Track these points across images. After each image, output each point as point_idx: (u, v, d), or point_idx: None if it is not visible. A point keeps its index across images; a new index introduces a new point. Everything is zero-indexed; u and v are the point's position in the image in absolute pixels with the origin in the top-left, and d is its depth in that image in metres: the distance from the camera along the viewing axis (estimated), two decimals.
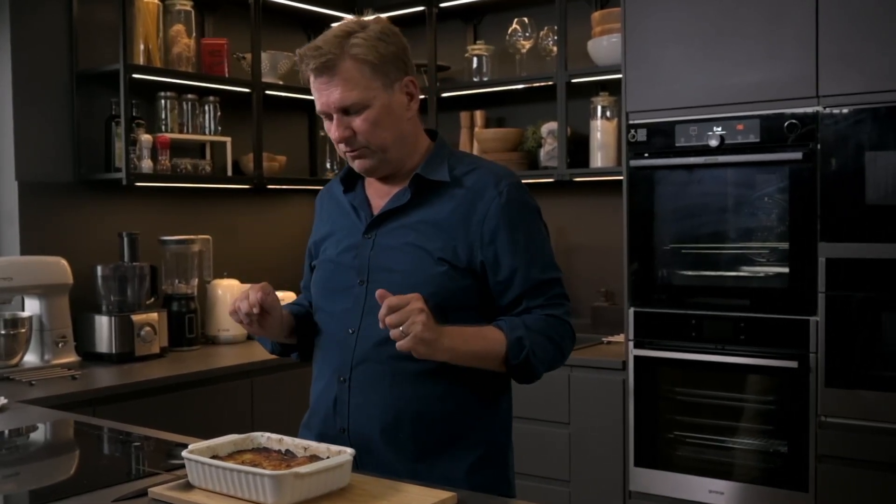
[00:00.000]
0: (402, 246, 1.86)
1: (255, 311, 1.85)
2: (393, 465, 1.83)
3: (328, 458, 1.59)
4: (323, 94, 1.83)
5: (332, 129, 1.86)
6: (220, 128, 4.09)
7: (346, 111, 1.82)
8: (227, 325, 3.95)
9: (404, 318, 1.64)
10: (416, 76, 1.94)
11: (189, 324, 3.81)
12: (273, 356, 2.29)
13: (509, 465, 1.96)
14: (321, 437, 1.89)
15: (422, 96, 4.11)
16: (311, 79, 1.84)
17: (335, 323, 1.92)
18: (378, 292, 1.66)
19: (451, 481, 1.79)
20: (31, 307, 3.39)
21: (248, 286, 1.91)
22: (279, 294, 4.07)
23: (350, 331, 1.88)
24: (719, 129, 3.23)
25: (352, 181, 2.01)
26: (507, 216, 1.85)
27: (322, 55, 1.80)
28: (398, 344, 1.65)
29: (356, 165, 1.90)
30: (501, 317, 1.86)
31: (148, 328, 3.54)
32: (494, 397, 1.93)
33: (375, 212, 1.93)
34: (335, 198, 2.05)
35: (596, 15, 3.97)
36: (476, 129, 4.40)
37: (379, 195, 1.96)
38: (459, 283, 1.84)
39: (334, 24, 1.85)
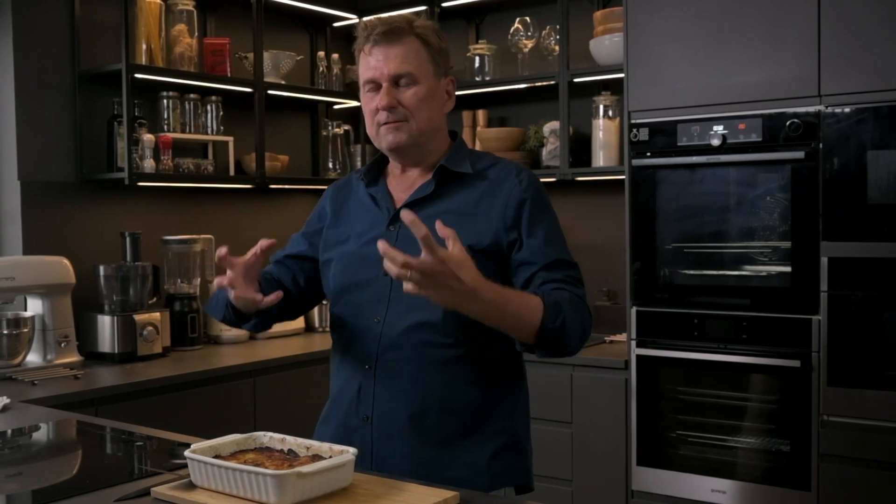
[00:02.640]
0: None
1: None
2: (417, 452, 1.85)
3: (330, 457, 1.59)
4: (379, 62, 1.89)
5: (376, 100, 1.90)
6: (222, 127, 4.09)
7: (397, 82, 1.89)
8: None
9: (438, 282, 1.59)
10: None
11: (191, 323, 3.81)
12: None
13: (528, 454, 1.99)
14: (342, 428, 1.91)
15: None
16: (369, 48, 1.91)
17: (359, 314, 1.93)
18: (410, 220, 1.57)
19: (475, 468, 1.84)
20: (34, 307, 3.39)
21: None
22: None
23: (376, 320, 1.89)
24: (721, 128, 3.23)
25: (374, 176, 2.04)
26: (529, 202, 1.91)
27: (391, 24, 1.89)
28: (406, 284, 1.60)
29: (388, 139, 1.92)
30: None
31: (150, 328, 3.55)
32: (515, 386, 1.97)
33: (398, 205, 1.95)
34: (355, 193, 2.07)
35: (598, 14, 3.97)
36: (478, 129, 4.40)
37: (401, 188, 1.99)
38: (484, 270, 1.83)
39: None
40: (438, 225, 1.59)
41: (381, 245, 1.55)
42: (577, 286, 1.88)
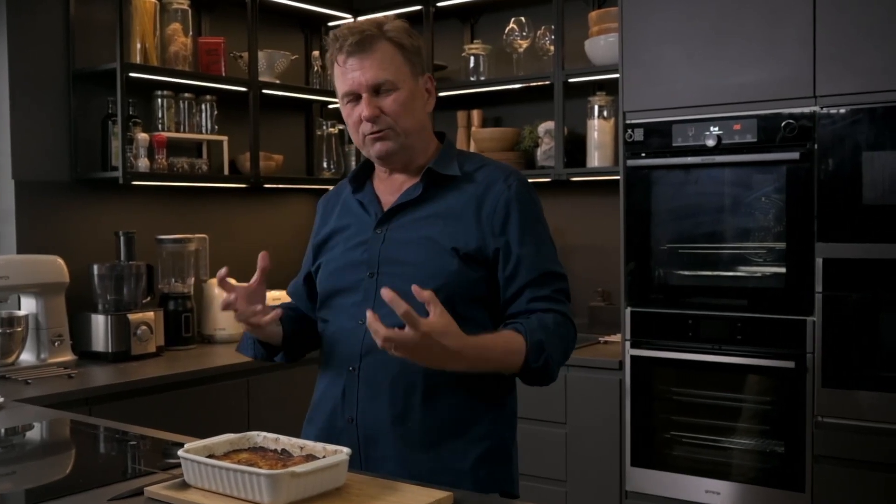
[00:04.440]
0: (414, 239, 1.88)
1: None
2: (402, 454, 1.84)
3: (324, 457, 1.59)
4: (356, 73, 1.87)
5: (357, 110, 1.89)
6: (216, 127, 4.08)
7: (376, 91, 1.87)
8: (223, 325, 3.94)
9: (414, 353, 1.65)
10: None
11: (185, 323, 3.81)
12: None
13: (514, 462, 1.98)
14: (327, 429, 1.90)
15: None
16: (343, 59, 1.88)
17: (344, 317, 1.93)
18: (384, 292, 1.63)
19: (458, 473, 1.83)
20: (28, 306, 3.38)
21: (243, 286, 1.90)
22: (274, 293, 4.10)
23: (360, 322, 1.87)
24: (716, 128, 3.23)
25: (360, 181, 2.03)
26: (516, 208, 1.89)
27: (362, 32, 1.86)
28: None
29: (376, 149, 1.91)
30: (515, 319, 1.86)
31: (144, 327, 3.54)
32: (501, 393, 1.94)
33: (385, 207, 1.95)
34: (343, 199, 2.07)
35: (593, 14, 3.97)
36: (473, 129, 4.40)
37: (389, 191, 1.98)
38: (470, 275, 1.86)
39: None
40: (415, 289, 1.62)
41: (369, 316, 1.61)
42: (563, 302, 1.91)
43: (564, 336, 1.87)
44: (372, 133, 1.89)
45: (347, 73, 1.88)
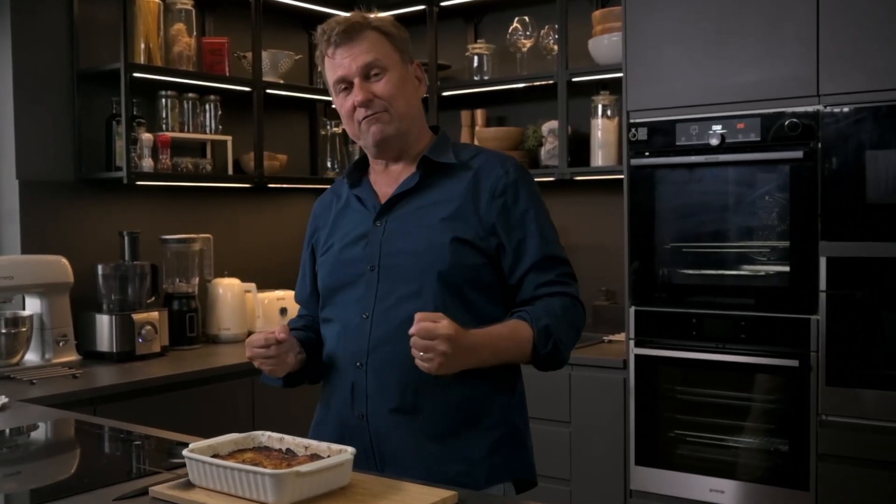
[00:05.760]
0: (415, 229, 1.89)
1: (281, 336, 1.87)
2: (415, 447, 1.84)
3: (329, 456, 1.59)
4: (345, 61, 1.89)
5: (350, 98, 1.90)
6: (220, 127, 4.09)
7: (367, 76, 1.89)
8: (227, 324, 3.95)
9: (428, 348, 1.67)
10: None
11: (190, 323, 3.81)
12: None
13: (528, 447, 1.98)
14: (339, 429, 1.90)
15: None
16: (332, 51, 1.91)
17: (348, 312, 1.92)
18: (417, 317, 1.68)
19: (472, 462, 1.84)
20: (32, 306, 3.39)
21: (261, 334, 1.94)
22: (279, 293, 4.09)
23: (364, 316, 1.88)
24: (720, 127, 3.23)
25: (357, 177, 2.03)
26: (515, 193, 1.91)
27: (347, 21, 1.89)
28: (418, 363, 1.69)
29: (372, 133, 1.91)
30: (522, 308, 1.88)
31: (149, 327, 3.54)
32: (510, 380, 1.95)
33: (383, 200, 1.96)
34: (339, 198, 2.07)
35: (597, 14, 3.97)
36: (477, 128, 4.40)
37: (386, 183, 1.99)
38: (473, 260, 1.87)
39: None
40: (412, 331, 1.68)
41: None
42: (569, 284, 1.92)
43: (573, 319, 1.89)
44: (366, 117, 1.90)
45: (337, 62, 1.90)
